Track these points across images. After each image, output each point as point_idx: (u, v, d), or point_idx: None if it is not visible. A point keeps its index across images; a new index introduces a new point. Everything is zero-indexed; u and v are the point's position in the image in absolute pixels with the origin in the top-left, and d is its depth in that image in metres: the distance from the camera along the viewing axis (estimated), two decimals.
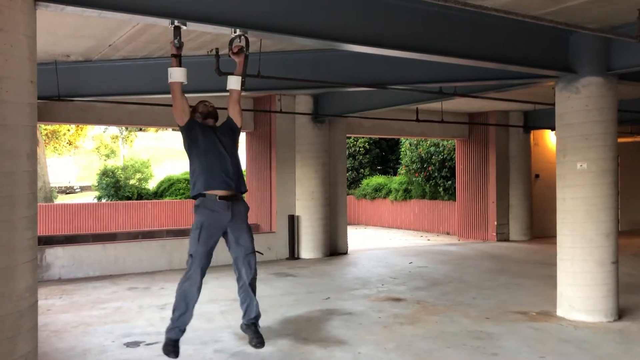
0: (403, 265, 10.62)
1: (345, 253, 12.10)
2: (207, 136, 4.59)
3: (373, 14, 5.22)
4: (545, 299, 7.48)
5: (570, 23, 5.57)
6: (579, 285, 6.52)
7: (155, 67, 7.82)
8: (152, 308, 7.30)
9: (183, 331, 4.74)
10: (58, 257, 9.36)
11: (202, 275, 4.62)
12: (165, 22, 4.33)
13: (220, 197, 4.52)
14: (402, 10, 5.34)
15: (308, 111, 11.39)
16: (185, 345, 5.73)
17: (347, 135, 13.22)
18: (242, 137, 13.17)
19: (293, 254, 11.40)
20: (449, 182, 16.72)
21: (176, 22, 4.24)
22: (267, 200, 11.67)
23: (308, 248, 11.46)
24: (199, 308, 7.22)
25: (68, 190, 28.61)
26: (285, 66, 7.42)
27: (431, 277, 9.38)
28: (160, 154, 40.51)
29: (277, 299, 7.78)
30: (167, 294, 8.20)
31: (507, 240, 14.39)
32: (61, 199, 26.67)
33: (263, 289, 8.62)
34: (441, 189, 17.16)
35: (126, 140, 26.02)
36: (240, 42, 4.53)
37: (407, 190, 18.70)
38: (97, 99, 8.51)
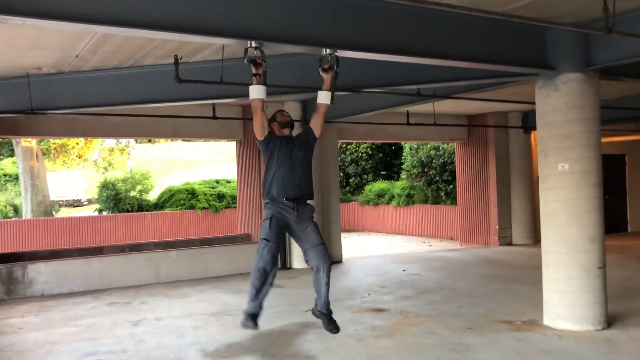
0: (396, 273, 10.33)
1: (340, 261, 11.84)
2: (282, 149, 4.74)
3: (336, 15, 5.02)
4: (535, 307, 7.13)
5: (542, 18, 5.31)
6: (564, 292, 6.20)
7: (127, 78, 7.67)
8: (126, 324, 7.09)
9: (261, 307, 4.70)
10: (41, 273, 9.22)
11: (274, 261, 4.61)
12: (243, 44, 4.60)
13: (287, 199, 4.70)
14: (371, 11, 5.11)
15: (296, 118, 11.15)
16: None
17: (341, 141, 12.97)
18: (233, 146, 13.03)
19: (284, 264, 11.16)
20: (451, 186, 16.37)
21: (254, 44, 4.57)
22: (257, 210, 11.45)
23: (300, 257, 11.18)
24: (173, 323, 7.08)
25: (75, 204, 28.63)
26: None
27: (422, 285, 9.07)
28: (170, 164, 40.51)
29: None
30: (146, 308, 8.01)
31: (509, 244, 14.01)
32: (67, 212, 26.67)
33: (243, 301, 8.42)
34: (443, 193, 16.82)
35: (122, 152, 25.93)
36: (329, 60, 4.79)
37: (409, 196, 18.38)
38: (71, 112, 8.35)
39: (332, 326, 4.90)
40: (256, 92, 4.49)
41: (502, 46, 6.06)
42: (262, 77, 4.48)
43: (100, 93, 7.83)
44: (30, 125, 9.81)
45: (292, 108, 11.17)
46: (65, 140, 28.74)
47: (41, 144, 31.21)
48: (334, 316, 4.92)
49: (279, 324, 6.88)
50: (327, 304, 4.88)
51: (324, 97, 4.85)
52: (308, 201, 4.85)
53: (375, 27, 5.22)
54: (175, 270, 10.18)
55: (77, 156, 32.52)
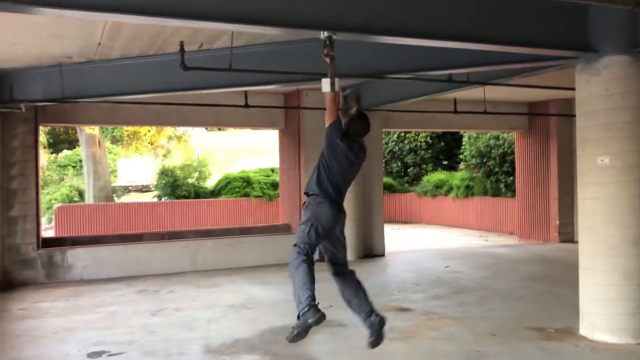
0: (436, 269, 9.83)
1: (382, 255, 11.43)
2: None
3: None
4: (575, 314, 6.40)
5: None
6: (601, 301, 5.58)
7: (152, 65, 7.59)
8: (145, 314, 7.07)
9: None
10: (80, 259, 9.43)
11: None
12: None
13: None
14: None
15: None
16: (148, 356, 5.45)
17: (386, 129, 12.50)
18: (275, 135, 12.84)
19: (323, 256, 10.86)
20: (511, 178, 15.49)
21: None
22: (297, 200, 11.23)
23: None
24: (190, 314, 6.99)
25: (144, 189, 29.54)
26: (277, 58, 6.94)
27: (459, 283, 8.56)
28: (237, 152, 41.07)
29: (276, 306, 7.34)
30: (171, 298, 8.00)
31: (570, 241, 13.05)
32: (136, 197, 27.58)
33: (271, 293, 8.27)
34: (503, 185, 15.96)
35: (180, 139, 26.45)
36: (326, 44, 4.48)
37: (468, 187, 17.59)
38: (100, 100, 8.41)
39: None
40: (325, 86, 4.28)
41: (537, 27, 5.48)
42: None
43: (127, 80, 7.85)
44: (75, 114, 10.00)
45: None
46: (137, 128, 29.77)
47: (115, 131, 32.58)
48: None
49: (293, 320, 6.59)
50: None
51: (323, 85, 4.39)
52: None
53: (401, 8, 4.83)
54: (211, 260, 10.15)
55: (149, 143, 33.67)
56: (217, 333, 6.17)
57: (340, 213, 4.39)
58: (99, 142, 18.59)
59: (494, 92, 11.27)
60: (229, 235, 11.14)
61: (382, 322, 4.38)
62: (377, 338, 4.40)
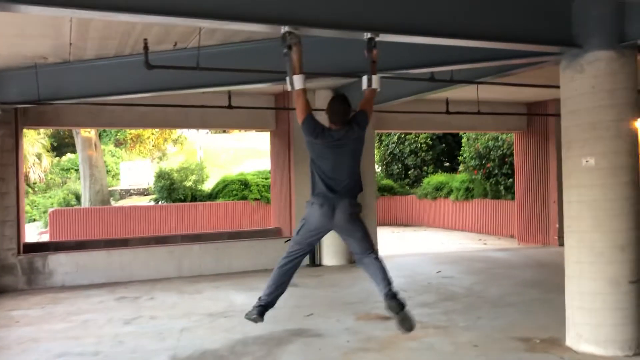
0: (428, 274, 9.54)
1: None
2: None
3: None
4: (565, 323, 6.21)
5: None
6: (587, 310, 5.27)
7: (129, 66, 7.37)
8: (118, 323, 6.83)
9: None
10: (61, 264, 9.22)
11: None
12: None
13: None
14: None
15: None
16: None
17: (379, 131, 12.22)
18: (266, 137, 12.59)
19: (314, 260, 10.63)
20: (511, 180, 15.17)
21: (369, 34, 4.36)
22: (287, 202, 10.98)
23: (330, 254, 10.65)
24: (164, 323, 6.75)
25: (146, 192, 29.44)
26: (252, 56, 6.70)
27: (448, 290, 8.26)
28: (242, 154, 40.89)
29: None
30: (150, 305, 7.76)
31: None
32: (137, 200, 27.49)
33: (253, 300, 7.93)
34: (502, 187, 15.64)
35: (175, 142, 26.28)
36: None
37: (468, 189, 17.29)
38: (76, 102, 8.21)
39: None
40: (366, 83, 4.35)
41: (517, 22, 5.19)
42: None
43: (103, 82, 7.63)
44: (57, 116, 9.81)
45: (325, 97, 10.58)
46: (140, 130, 29.67)
47: (118, 134, 32.50)
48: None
49: (271, 329, 6.34)
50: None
51: (295, 83, 4.30)
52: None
53: (377, 3, 4.57)
54: (197, 265, 9.91)
55: (152, 146, 33.55)
56: (187, 343, 5.92)
57: (336, 210, 4.36)
58: (95, 145, 18.43)
59: (489, 93, 10.98)
60: (217, 240, 10.88)
61: (399, 305, 4.39)
62: (401, 321, 4.39)
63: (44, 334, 6.40)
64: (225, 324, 6.65)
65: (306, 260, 10.49)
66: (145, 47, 5.42)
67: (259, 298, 4.65)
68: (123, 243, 10.39)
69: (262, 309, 4.62)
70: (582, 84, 5.25)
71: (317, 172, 4.40)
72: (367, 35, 4.44)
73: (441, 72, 6.77)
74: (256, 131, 16.13)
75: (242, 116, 10.68)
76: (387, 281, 4.42)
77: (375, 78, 4.33)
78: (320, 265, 10.68)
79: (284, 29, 4.19)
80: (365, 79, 4.34)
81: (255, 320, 4.66)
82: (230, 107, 8.77)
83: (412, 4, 4.74)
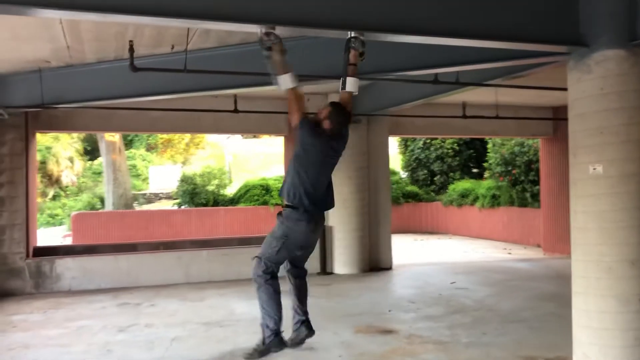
0: (441, 285, 9.17)
1: (389, 268, 10.81)
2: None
3: None
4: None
5: None
6: (595, 329, 4.88)
7: (125, 69, 7.26)
8: (112, 330, 6.70)
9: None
10: (68, 269, 9.19)
11: None
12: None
13: None
14: None
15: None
16: None
17: (396, 135, 11.93)
18: (281, 142, 12.39)
19: (324, 268, 10.37)
20: (537, 187, 14.60)
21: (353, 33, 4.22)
22: None
23: (341, 262, 10.38)
24: (157, 332, 6.59)
25: (174, 196, 29.69)
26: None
27: (459, 302, 7.90)
28: (271, 159, 40.94)
29: (250, 324, 6.77)
30: (149, 312, 7.63)
31: None
32: (166, 204, 27.70)
33: (253, 309, 7.71)
34: (529, 194, 15.07)
35: (197, 146, 26.34)
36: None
37: (494, 197, 16.74)
38: (79, 106, 8.15)
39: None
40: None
41: (522, 20, 4.84)
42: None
43: (104, 85, 7.58)
44: (68, 120, 9.82)
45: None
46: (171, 135, 29.94)
47: (149, 139, 32.87)
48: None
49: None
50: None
51: (285, 82, 4.10)
52: None
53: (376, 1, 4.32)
54: (205, 271, 9.77)
55: (183, 150, 33.83)
56: (175, 354, 5.74)
57: (318, 225, 4.24)
58: (119, 150, 18.59)
59: (509, 96, 10.62)
60: (227, 246, 10.73)
61: (308, 336, 4.37)
62: (295, 344, 4.42)
63: (36, 340, 6.32)
64: (218, 334, 6.46)
65: (317, 268, 10.30)
66: (131, 49, 5.29)
67: (269, 329, 4.31)
68: (131, 248, 10.31)
69: (279, 336, 4.36)
70: (590, 85, 4.87)
71: (299, 181, 4.15)
72: (351, 34, 4.20)
73: (446, 74, 6.46)
74: (270, 136, 16.00)
75: (253, 121, 10.54)
76: (306, 304, 4.37)
77: (350, 80, 4.06)
78: (331, 273, 10.41)
79: (260, 31, 3.97)
80: (341, 80, 4.08)
81: (282, 349, 4.42)
82: (236, 111, 8.61)
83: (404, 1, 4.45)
